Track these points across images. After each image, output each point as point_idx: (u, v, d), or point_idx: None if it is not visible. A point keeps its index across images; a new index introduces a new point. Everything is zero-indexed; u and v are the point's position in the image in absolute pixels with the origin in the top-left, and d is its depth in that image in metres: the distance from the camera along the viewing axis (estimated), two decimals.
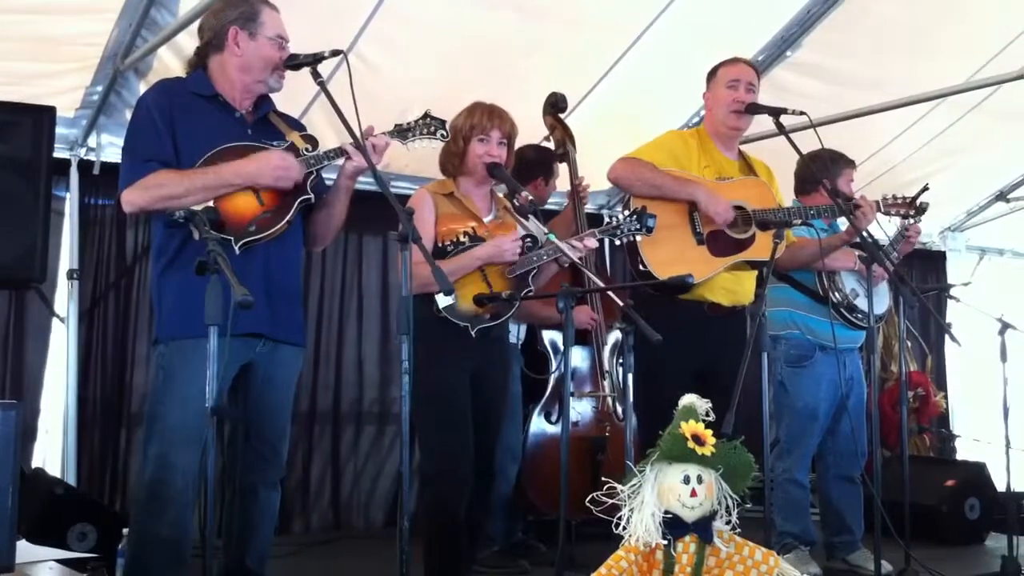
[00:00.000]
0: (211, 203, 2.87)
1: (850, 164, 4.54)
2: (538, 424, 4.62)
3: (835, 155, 4.39)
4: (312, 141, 3.09)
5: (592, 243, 3.41)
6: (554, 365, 4.68)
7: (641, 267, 3.68)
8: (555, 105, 4.76)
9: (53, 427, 4.83)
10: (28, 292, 4.64)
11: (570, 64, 5.12)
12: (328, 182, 3.22)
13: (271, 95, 3.15)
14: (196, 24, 3.22)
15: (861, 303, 4.32)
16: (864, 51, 5.41)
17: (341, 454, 5.59)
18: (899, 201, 4.05)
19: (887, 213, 4.03)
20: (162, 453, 2.84)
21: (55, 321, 4.82)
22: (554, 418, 4.62)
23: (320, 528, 5.46)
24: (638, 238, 3.47)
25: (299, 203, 2.99)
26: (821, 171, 4.12)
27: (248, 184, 2.92)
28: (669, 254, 3.68)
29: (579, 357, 4.68)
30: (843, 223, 4.14)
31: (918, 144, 6.11)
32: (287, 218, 2.96)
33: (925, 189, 4.10)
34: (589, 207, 5.59)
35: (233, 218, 2.89)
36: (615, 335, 4.67)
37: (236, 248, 2.86)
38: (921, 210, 4.09)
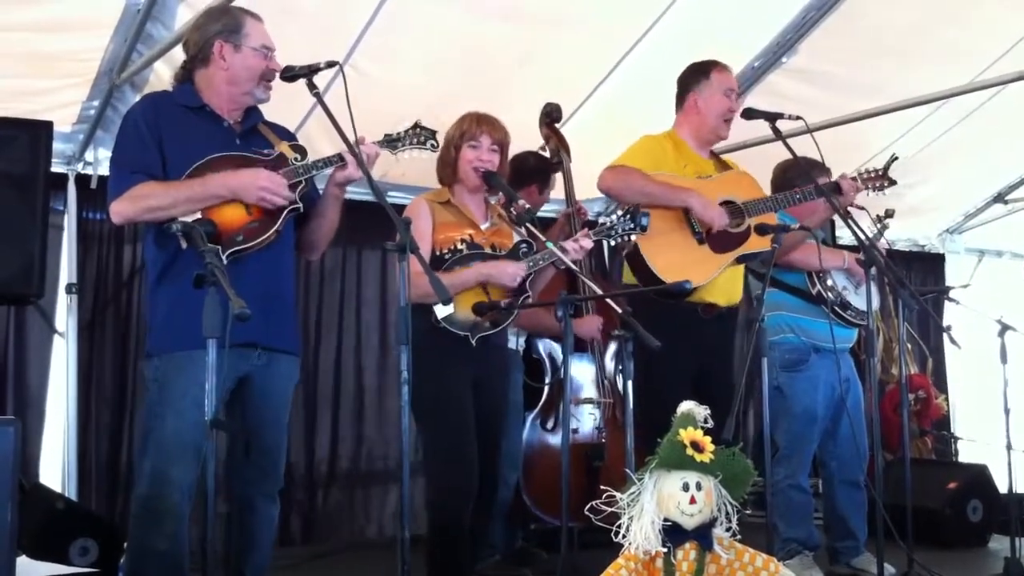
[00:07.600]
0: (201, 215, 2.86)
1: (825, 171, 4.53)
2: (533, 431, 4.61)
3: (810, 162, 4.36)
4: (301, 151, 3.08)
5: (587, 244, 3.41)
6: (549, 372, 4.67)
7: (648, 274, 3.69)
8: (550, 115, 4.79)
9: (54, 441, 4.83)
10: (27, 307, 4.64)
11: (565, 72, 5.11)
12: (320, 187, 3.21)
13: (264, 106, 3.14)
14: None
15: (852, 298, 4.34)
16: (860, 56, 5.39)
17: (341, 465, 5.59)
18: (872, 175, 4.11)
19: (863, 187, 4.10)
20: (157, 466, 2.83)
21: (55, 336, 4.82)
22: (550, 425, 4.62)
23: (320, 540, 5.44)
24: (634, 237, 3.47)
25: (287, 213, 2.98)
26: (797, 178, 4.16)
27: (233, 197, 2.91)
28: (675, 258, 3.71)
29: (576, 364, 4.67)
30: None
31: (916, 148, 6.11)
32: (275, 228, 2.95)
33: (894, 159, 4.13)
34: (588, 215, 5.59)
35: (221, 228, 2.88)
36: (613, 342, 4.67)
37: (224, 258, 2.83)
38: (892, 181, 4.13)
